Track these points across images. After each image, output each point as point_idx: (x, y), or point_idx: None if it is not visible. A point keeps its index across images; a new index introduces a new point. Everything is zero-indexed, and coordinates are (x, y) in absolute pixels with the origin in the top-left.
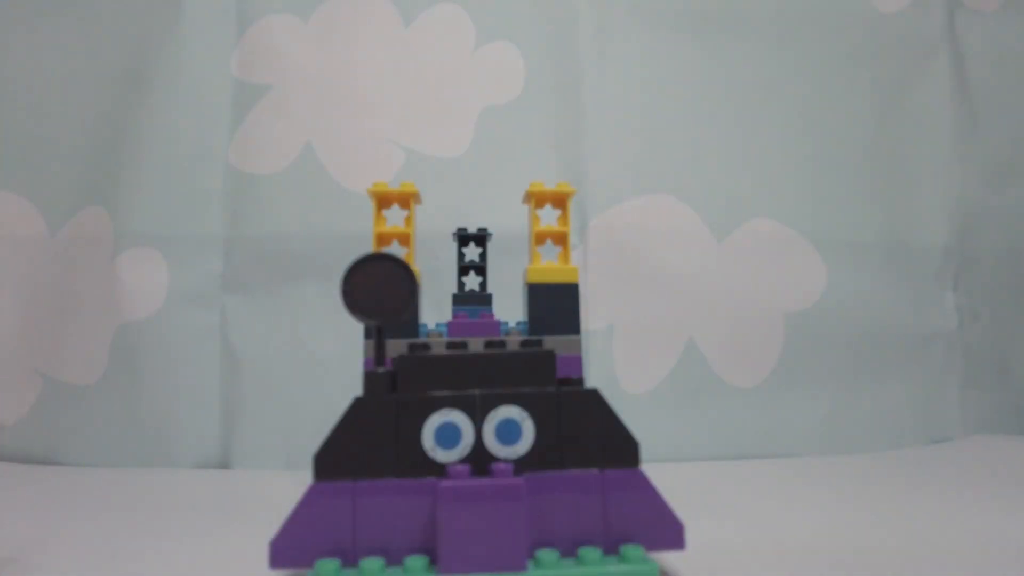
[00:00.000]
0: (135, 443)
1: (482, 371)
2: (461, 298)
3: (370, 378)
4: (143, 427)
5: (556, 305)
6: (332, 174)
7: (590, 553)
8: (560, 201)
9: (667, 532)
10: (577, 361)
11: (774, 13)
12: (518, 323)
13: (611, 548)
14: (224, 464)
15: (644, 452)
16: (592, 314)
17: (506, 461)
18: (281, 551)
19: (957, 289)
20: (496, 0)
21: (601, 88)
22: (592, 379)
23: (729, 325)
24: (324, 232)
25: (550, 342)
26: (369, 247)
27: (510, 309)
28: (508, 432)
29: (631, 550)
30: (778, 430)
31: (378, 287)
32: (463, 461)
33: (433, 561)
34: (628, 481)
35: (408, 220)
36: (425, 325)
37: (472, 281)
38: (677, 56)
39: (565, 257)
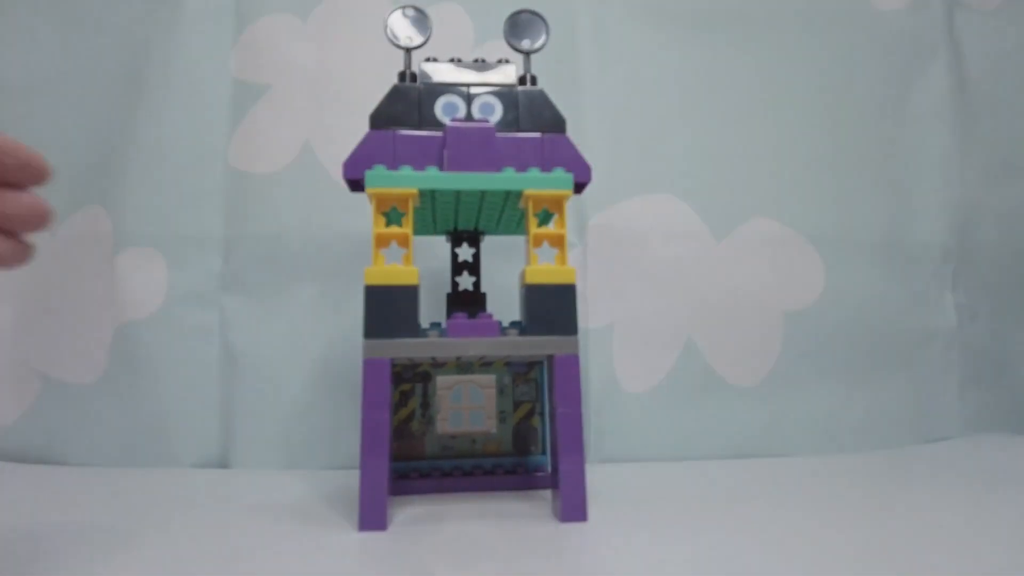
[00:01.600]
0: (134, 442)
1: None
2: (455, 298)
3: (401, 79)
4: (142, 426)
5: (554, 305)
6: (331, 173)
7: (533, 170)
8: (557, 204)
9: (580, 165)
10: (575, 360)
11: (773, 12)
12: (512, 323)
13: (546, 170)
14: (223, 463)
15: (644, 450)
16: (592, 313)
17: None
18: (349, 167)
19: (956, 288)
20: None
21: (600, 87)
22: (592, 378)
23: (728, 324)
24: (323, 231)
25: (549, 342)
26: (368, 246)
27: (505, 309)
28: (487, 109)
29: (558, 171)
30: (777, 429)
31: None
32: None
33: (441, 168)
34: (558, 140)
35: (407, 221)
36: (425, 331)
37: (465, 280)
38: (676, 55)
39: (562, 259)
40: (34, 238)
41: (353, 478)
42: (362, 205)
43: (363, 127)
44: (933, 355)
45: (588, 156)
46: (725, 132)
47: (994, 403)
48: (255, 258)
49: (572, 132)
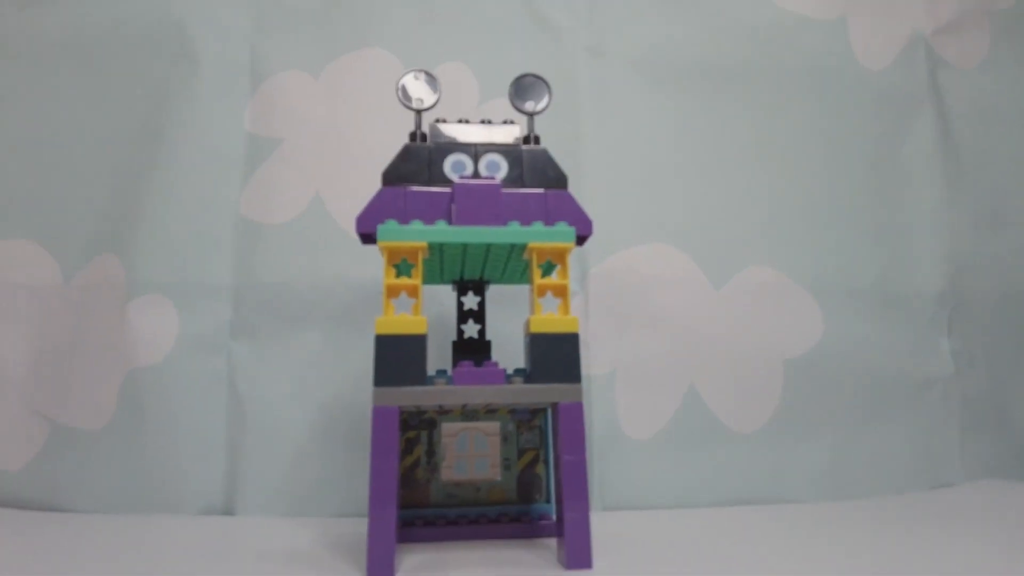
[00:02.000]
0: (140, 489)
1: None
2: (461, 345)
3: (412, 139)
4: (148, 473)
5: (558, 354)
6: (340, 224)
7: (537, 224)
8: (560, 256)
9: (582, 219)
10: (579, 408)
11: (766, 70)
12: (516, 371)
13: (550, 224)
14: (228, 511)
15: (648, 497)
16: (594, 360)
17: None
18: (362, 221)
19: (952, 335)
20: (499, 58)
21: (600, 141)
22: (595, 425)
23: (729, 371)
24: (331, 280)
25: (553, 390)
26: (373, 295)
27: (509, 356)
28: (493, 167)
29: (561, 224)
30: (779, 475)
31: None
32: None
33: (449, 222)
34: (560, 195)
35: (416, 273)
36: (432, 378)
37: (471, 328)
38: (673, 111)
39: (565, 308)
40: (49, 285)
41: (359, 525)
42: (368, 256)
43: (371, 180)
44: (932, 401)
45: (588, 207)
46: (721, 184)
47: (996, 449)
48: (264, 306)
49: (573, 184)
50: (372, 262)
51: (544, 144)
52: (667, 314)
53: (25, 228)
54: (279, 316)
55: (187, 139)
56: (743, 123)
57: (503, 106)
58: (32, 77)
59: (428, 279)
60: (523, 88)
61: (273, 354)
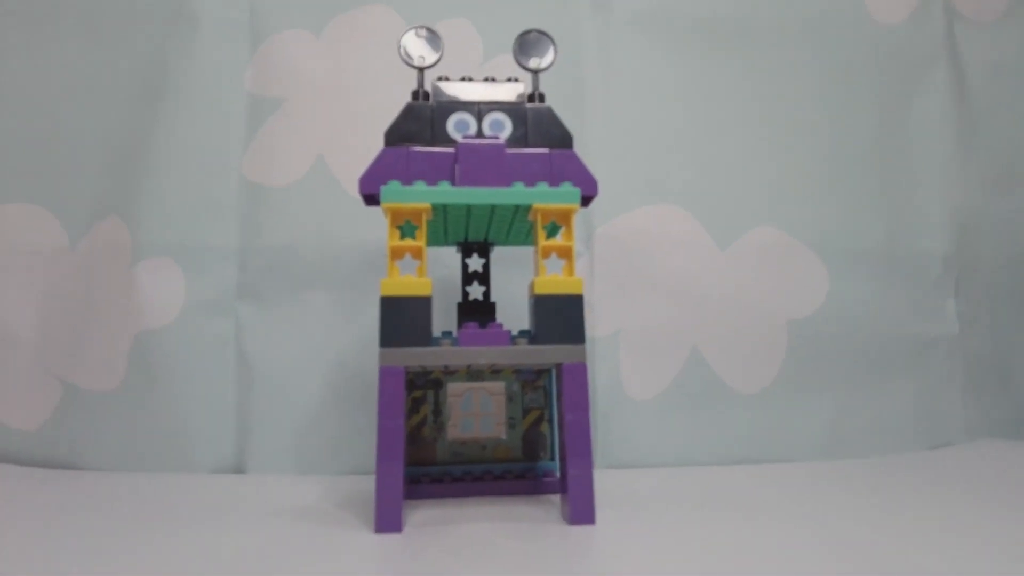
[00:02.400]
0: (153, 448)
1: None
2: (466, 307)
3: (415, 98)
4: (160, 433)
5: (562, 315)
6: (344, 185)
7: (542, 185)
8: (564, 217)
9: (587, 180)
10: (583, 368)
11: (775, 25)
12: (521, 332)
13: (554, 184)
14: (239, 469)
15: (650, 456)
16: (598, 321)
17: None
18: (365, 183)
19: (958, 296)
20: (502, 14)
21: (605, 98)
22: (598, 385)
23: (733, 332)
24: (336, 242)
25: (557, 350)
26: (379, 256)
27: (514, 318)
28: (497, 126)
29: (566, 185)
30: (782, 435)
31: None
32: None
33: (453, 183)
34: (566, 155)
35: (420, 234)
36: (437, 339)
37: (476, 290)
38: (679, 67)
39: (570, 270)
40: (55, 248)
41: (366, 483)
42: (373, 216)
43: (375, 140)
44: (935, 362)
45: (593, 167)
46: (728, 143)
47: (996, 409)
48: (270, 268)
49: (578, 144)
50: (377, 222)
51: (548, 101)
52: (672, 275)
53: (29, 192)
54: (285, 278)
55: (188, 100)
56: (750, 80)
57: (507, 63)
58: (33, 40)
59: (432, 241)
60: (527, 44)
61: (280, 315)
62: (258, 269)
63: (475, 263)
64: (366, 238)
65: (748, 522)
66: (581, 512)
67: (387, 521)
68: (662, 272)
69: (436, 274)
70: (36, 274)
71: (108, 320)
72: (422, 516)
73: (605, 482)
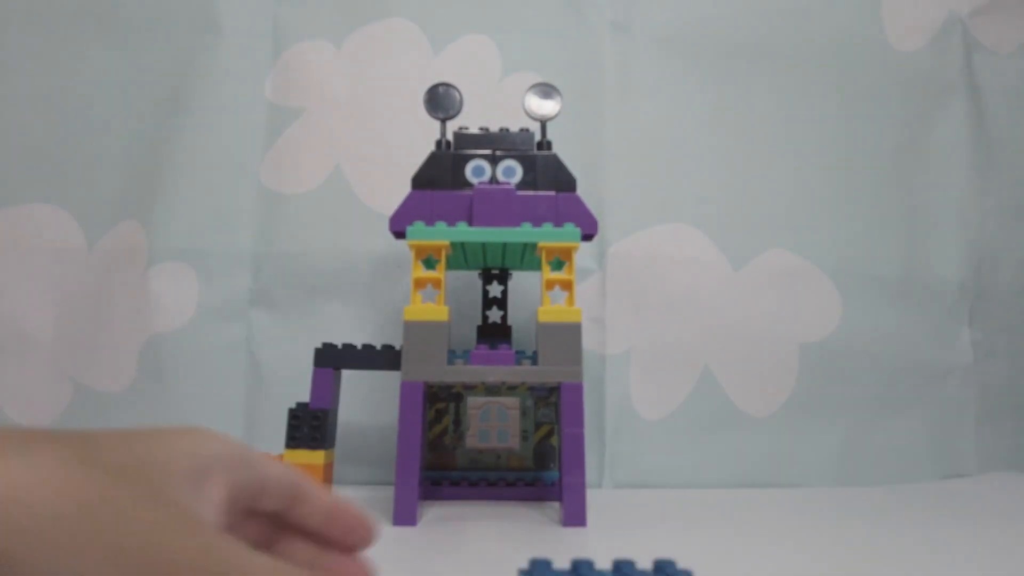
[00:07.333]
0: None
1: (496, 144)
2: (484, 329)
3: (437, 147)
4: None
5: (562, 340)
6: (359, 195)
7: (547, 225)
8: (567, 254)
9: (588, 220)
10: (579, 388)
11: (794, 50)
12: (526, 354)
13: (559, 224)
14: None
15: (658, 476)
16: (610, 339)
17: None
18: (395, 222)
19: (972, 325)
20: (522, 31)
21: (622, 118)
22: (608, 404)
23: (744, 354)
24: (350, 250)
25: (557, 371)
26: (392, 266)
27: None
28: (509, 172)
29: (568, 225)
30: (791, 460)
31: None
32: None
33: (469, 223)
34: (569, 198)
35: (440, 268)
36: (454, 352)
37: (494, 314)
38: (697, 89)
39: (571, 300)
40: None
41: (377, 492)
42: (386, 227)
43: (391, 153)
44: (949, 391)
45: (609, 184)
46: (744, 164)
47: (1011, 440)
48: (283, 275)
49: (593, 160)
50: (389, 234)
51: (565, 119)
52: (685, 294)
53: (49, 193)
54: (298, 285)
55: (209, 107)
56: (768, 103)
57: (525, 80)
58: (57, 45)
59: (454, 266)
60: (537, 95)
61: (291, 322)
62: (271, 276)
63: (495, 290)
64: (378, 247)
65: (755, 549)
66: (574, 515)
67: (404, 515)
68: (675, 291)
69: (467, 298)
70: (53, 274)
71: (121, 322)
72: (437, 513)
73: (608, 500)
